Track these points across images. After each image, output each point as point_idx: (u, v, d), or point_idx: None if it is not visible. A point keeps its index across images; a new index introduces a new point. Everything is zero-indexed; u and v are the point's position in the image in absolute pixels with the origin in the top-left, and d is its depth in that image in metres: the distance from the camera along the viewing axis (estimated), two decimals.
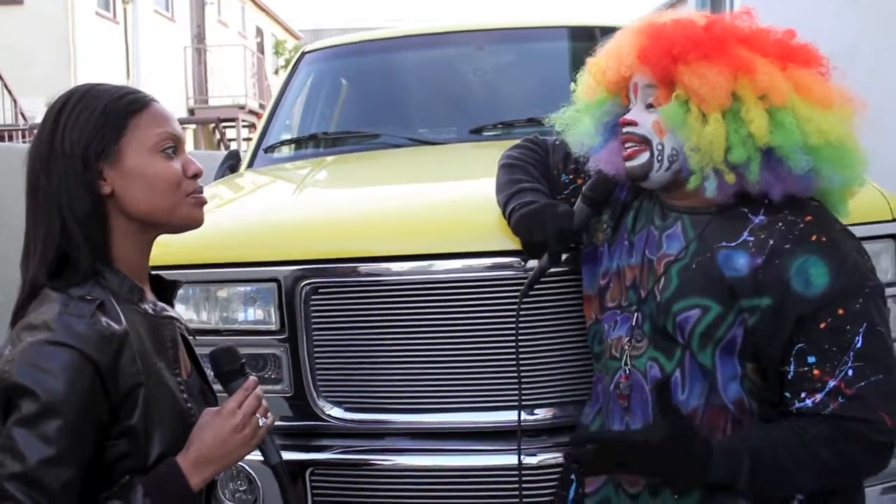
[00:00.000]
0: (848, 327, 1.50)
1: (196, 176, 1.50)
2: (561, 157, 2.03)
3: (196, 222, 1.53)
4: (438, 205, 2.43)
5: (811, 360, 1.52)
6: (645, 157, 1.67)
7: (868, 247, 2.16)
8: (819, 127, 1.55)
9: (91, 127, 1.40)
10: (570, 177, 2.00)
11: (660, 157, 1.65)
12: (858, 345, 1.49)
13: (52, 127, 1.41)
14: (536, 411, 2.14)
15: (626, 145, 1.69)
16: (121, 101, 1.44)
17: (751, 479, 1.50)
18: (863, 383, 1.48)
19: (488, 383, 2.14)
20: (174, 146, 1.48)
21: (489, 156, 2.27)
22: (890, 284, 2.08)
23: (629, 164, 1.69)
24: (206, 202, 1.53)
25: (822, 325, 1.51)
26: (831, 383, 1.50)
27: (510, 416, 2.04)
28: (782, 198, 1.59)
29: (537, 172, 2.07)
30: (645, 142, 1.66)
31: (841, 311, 1.50)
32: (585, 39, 3.88)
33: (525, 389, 2.07)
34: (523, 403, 2.06)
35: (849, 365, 1.49)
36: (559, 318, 2.11)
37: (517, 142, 2.23)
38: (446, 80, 3.96)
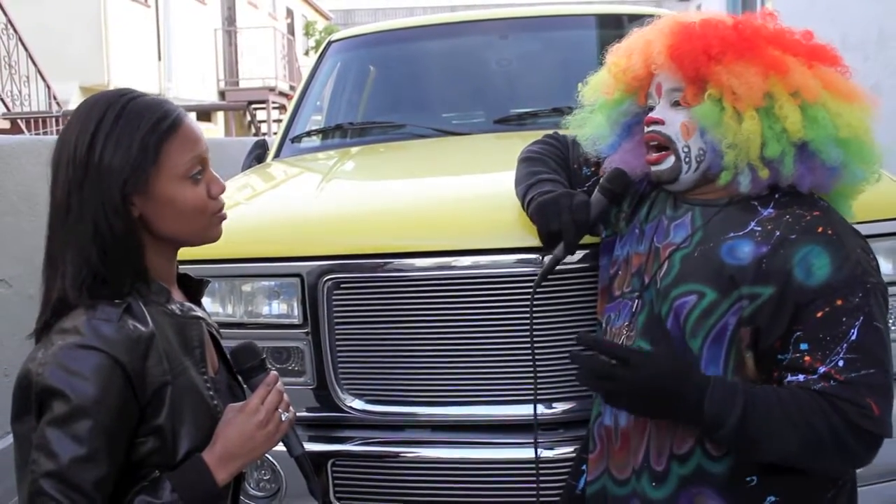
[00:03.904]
0: (844, 319, 1.49)
1: (219, 192, 1.52)
2: (582, 151, 2.05)
3: (215, 238, 1.56)
4: (461, 201, 2.44)
5: (804, 346, 1.51)
6: (671, 160, 1.68)
7: (886, 244, 2.18)
8: (849, 121, 1.58)
9: (130, 160, 1.39)
10: (593, 169, 2.02)
11: (687, 159, 1.67)
12: (853, 337, 1.48)
13: (87, 150, 1.39)
14: (554, 405, 2.17)
15: (651, 144, 1.71)
16: (157, 128, 1.42)
17: (740, 423, 1.47)
18: (853, 374, 1.47)
19: (508, 377, 2.17)
20: (201, 168, 1.49)
21: (513, 148, 2.29)
22: None
23: (656, 168, 1.71)
24: (226, 217, 1.56)
25: (819, 314, 1.50)
26: (822, 369, 1.49)
27: (530, 410, 2.07)
28: (809, 190, 1.62)
29: (556, 165, 2.09)
30: (668, 145, 1.68)
31: (839, 302, 1.49)
32: (612, 27, 3.87)
33: (543, 383, 2.11)
34: (541, 397, 2.09)
35: (840, 355, 1.48)
36: (577, 312, 2.13)
37: (539, 134, 2.25)
38: (471, 70, 3.97)
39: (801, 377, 1.51)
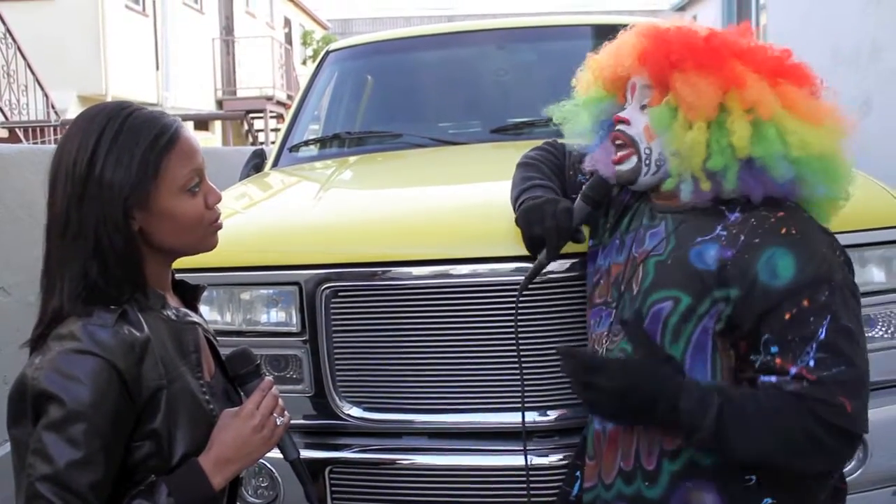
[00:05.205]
0: (812, 319, 1.50)
1: (216, 203, 1.54)
2: (577, 159, 2.08)
3: (211, 247, 1.58)
4: (458, 210, 2.46)
5: (774, 349, 1.53)
6: (633, 161, 1.72)
7: (878, 252, 2.20)
8: (802, 140, 1.58)
9: (132, 177, 1.41)
10: (588, 177, 2.04)
11: (647, 162, 1.70)
12: (822, 336, 1.49)
13: (87, 166, 1.40)
14: (548, 412, 2.18)
15: (616, 142, 1.74)
16: (157, 144, 1.44)
17: (717, 423, 1.49)
18: (824, 373, 1.48)
19: (504, 385, 2.18)
20: (199, 180, 1.51)
21: (509, 157, 2.31)
22: None
23: (619, 168, 1.75)
24: (221, 227, 1.58)
25: (787, 316, 1.51)
26: (793, 370, 1.50)
27: (527, 417, 2.09)
28: (761, 200, 1.62)
29: (551, 172, 2.12)
30: (632, 145, 1.71)
31: (806, 303, 1.51)
32: (607, 38, 3.89)
33: (536, 391, 2.13)
34: (535, 404, 2.12)
35: (811, 355, 1.49)
36: (568, 320, 2.15)
37: (536, 143, 2.27)
38: (468, 80, 3.99)
39: (773, 378, 1.53)
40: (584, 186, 1.90)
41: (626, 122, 1.72)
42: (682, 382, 1.55)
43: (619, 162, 1.73)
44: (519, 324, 1.97)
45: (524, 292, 1.98)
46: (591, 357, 1.66)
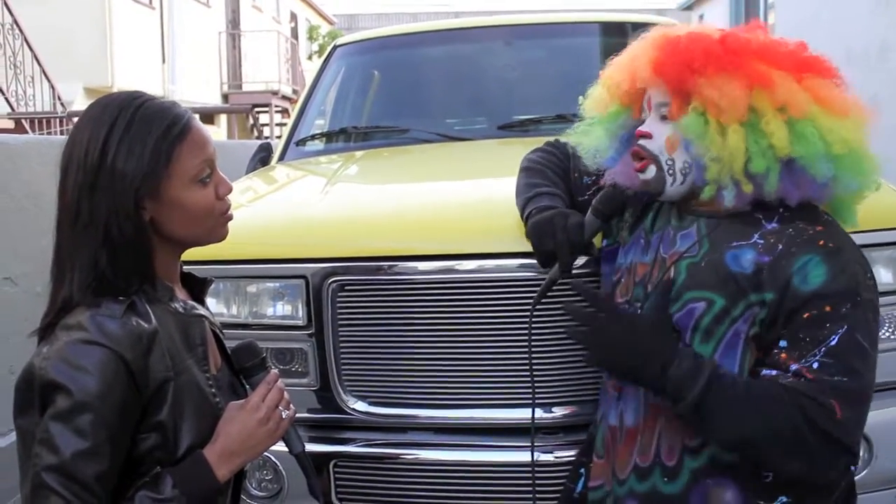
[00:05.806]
0: (828, 324, 1.50)
1: (226, 193, 1.54)
2: (582, 161, 2.06)
3: (221, 238, 1.58)
4: (464, 205, 2.47)
5: (782, 344, 1.53)
6: (653, 170, 1.69)
7: (885, 253, 2.19)
8: (842, 136, 1.57)
9: (143, 166, 1.41)
10: (593, 178, 2.03)
11: (671, 171, 1.68)
12: (833, 342, 1.49)
13: (99, 155, 1.40)
14: (554, 409, 2.18)
15: (638, 157, 1.72)
16: (169, 134, 1.44)
17: (702, 395, 1.51)
18: (824, 377, 1.48)
19: (510, 381, 2.18)
20: (210, 171, 1.51)
21: (516, 154, 2.30)
22: None
23: (642, 176, 1.72)
24: (232, 218, 1.58)
25: (805, 316, 1.52)
26: (794, 367, 1.50)
27: (530, 414, 2.09)
28: (799, 203, 1.61)
29: (556, 176, 2.10)
30: (652, 157, 1.69)
31: (827, 309, 1.51)
32: (616, 35, 3.89)
33: (543, 387, 2.13)
34: (541, 401, 2.12)
35: (816, 358, 1.49)
36: None
37: (542, 140, 2.26)
38: (475, 76, 3.99)
39: (773, 372, 1.53)
40: (595, 200, 1.87)
41: (647, 135, 1.70)
42: (679, 350, 1.56)
43: (641, 170, 1.71)
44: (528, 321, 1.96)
45: (533, 290, 1.96)
46: (602, 300, 1.69)
